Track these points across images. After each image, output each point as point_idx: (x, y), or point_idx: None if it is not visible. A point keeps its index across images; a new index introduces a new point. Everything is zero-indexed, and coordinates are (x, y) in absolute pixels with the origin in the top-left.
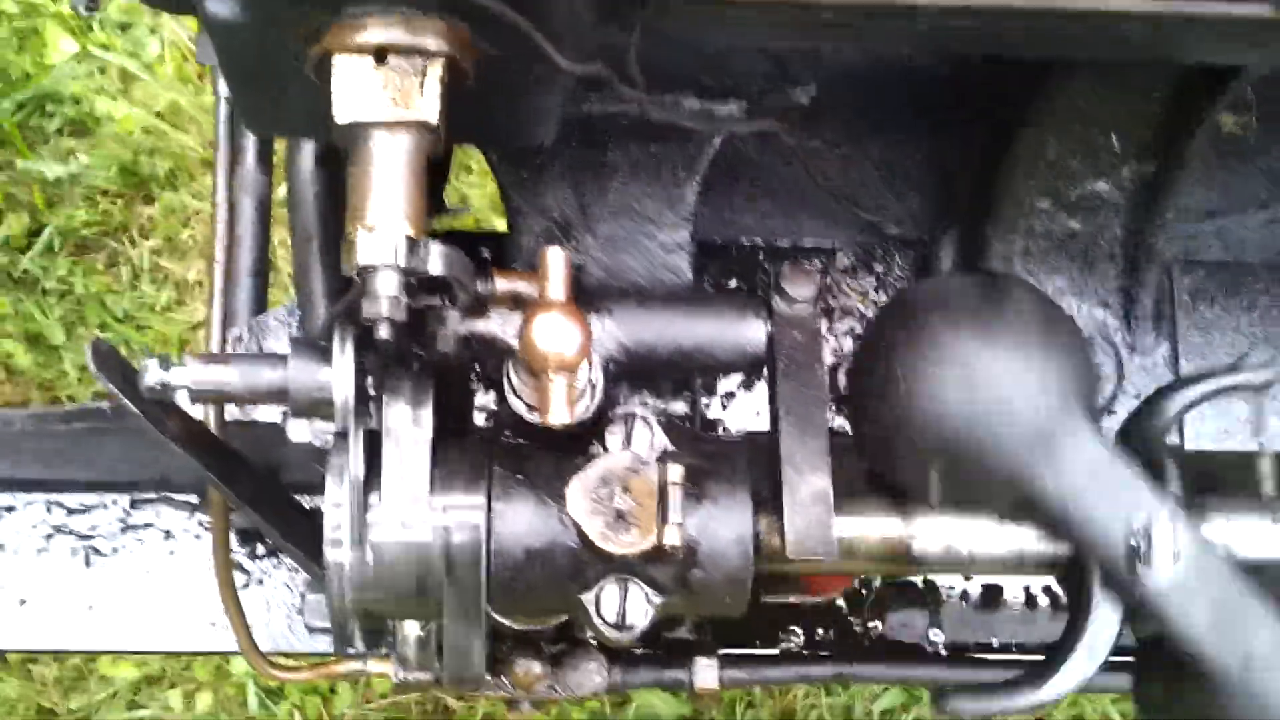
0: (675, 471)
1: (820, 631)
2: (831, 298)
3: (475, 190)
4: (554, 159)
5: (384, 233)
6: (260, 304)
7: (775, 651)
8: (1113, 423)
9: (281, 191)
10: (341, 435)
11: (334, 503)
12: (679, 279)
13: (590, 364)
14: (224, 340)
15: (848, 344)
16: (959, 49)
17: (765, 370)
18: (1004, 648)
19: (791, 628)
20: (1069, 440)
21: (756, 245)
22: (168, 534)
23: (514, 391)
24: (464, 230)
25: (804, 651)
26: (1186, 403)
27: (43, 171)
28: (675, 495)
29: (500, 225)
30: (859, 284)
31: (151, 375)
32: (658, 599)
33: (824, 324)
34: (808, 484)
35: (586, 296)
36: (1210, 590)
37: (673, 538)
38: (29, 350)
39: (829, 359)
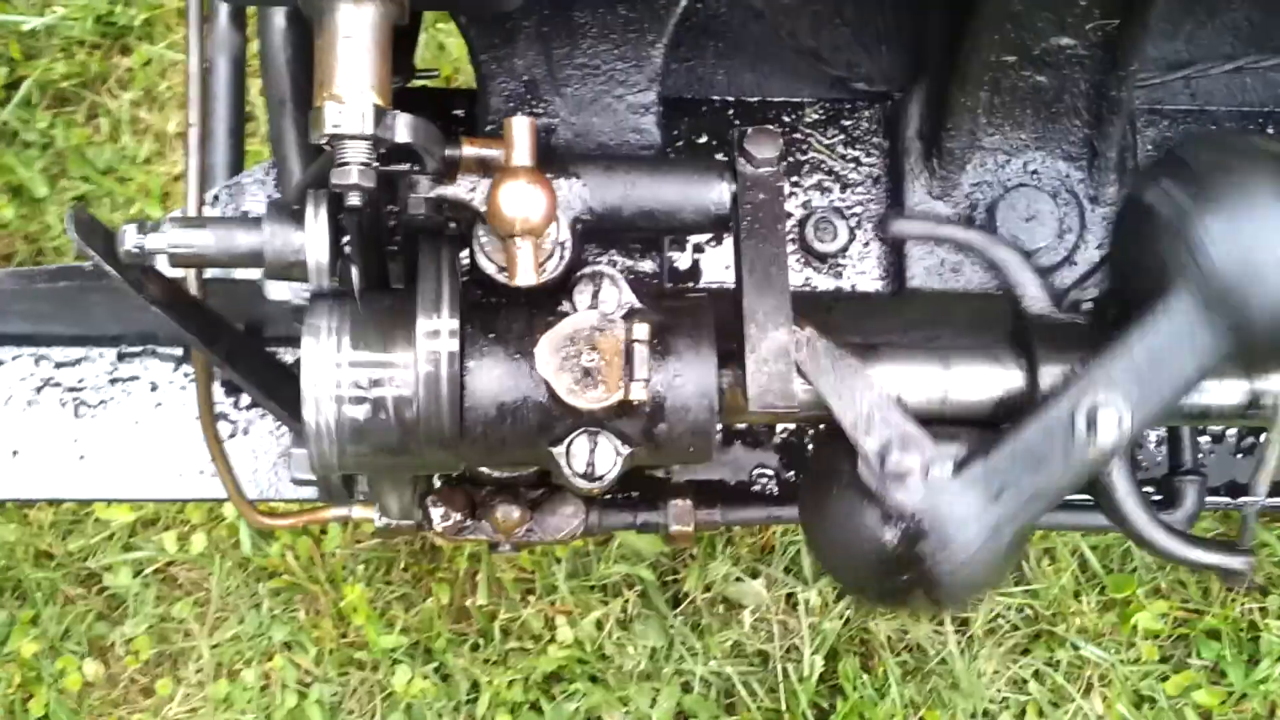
0: (641, 329)
1: (791, 473)
2: (800, 153)
3: (453, 39)
4: (523, 21)
5: (351, 103)
6: (238, 162)
7: (747, 492)
8: (1073, 273)
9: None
10: (317, 295)
11: (312, 361)
12: (646, 140)
13: (558, 225)
14: (201, 202)
15: (815, 197)
16: None
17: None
18: None
19: (763, 467)
20: None
21: (726, 101)
22: (154, 386)
23: (483, 253)
24: (436, 88)
25: (775, 492)
26: None
27: (19, 23)
28: (641, 352)
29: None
30: (827, 138)
31: (129, 240)
32: (625, 450)
33: (792, 179)
34: (769, 339)
35: (555, 159)
36: None
37: (638, 393)
38: (11, 202)
39: (798, 213)
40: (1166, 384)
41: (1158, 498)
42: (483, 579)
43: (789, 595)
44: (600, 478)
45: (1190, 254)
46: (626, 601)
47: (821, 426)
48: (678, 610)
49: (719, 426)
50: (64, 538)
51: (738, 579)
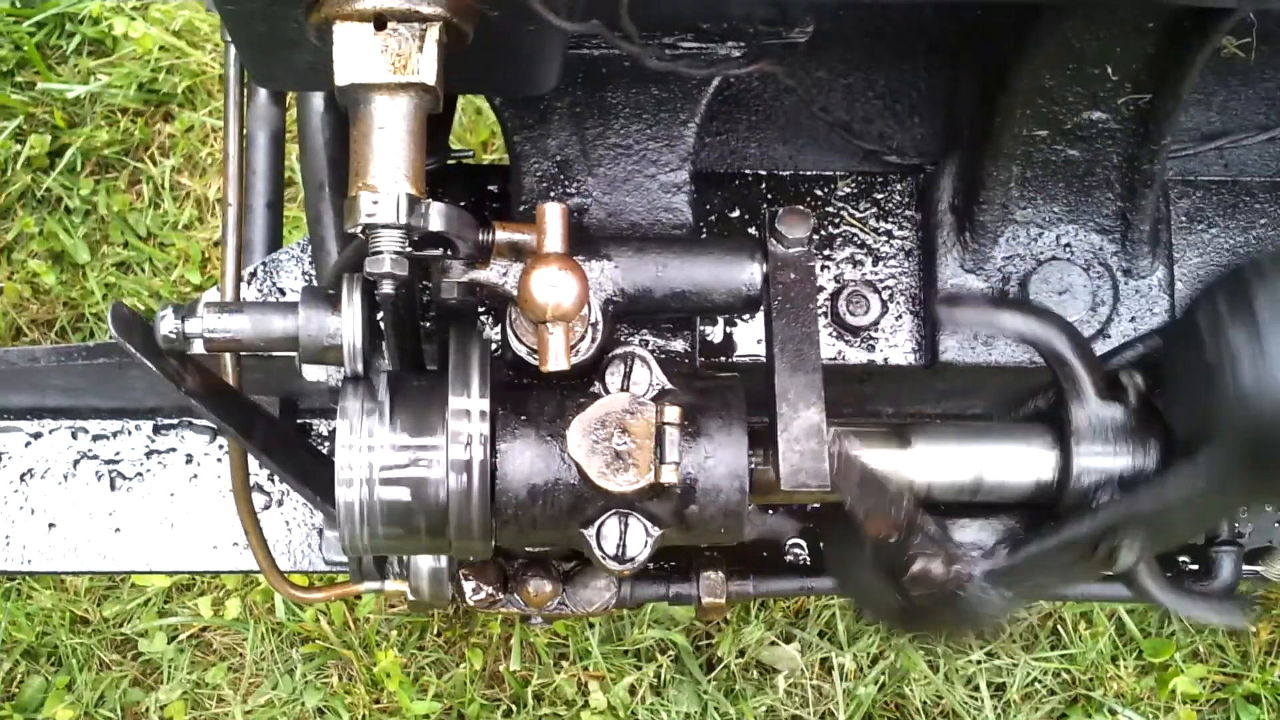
0: (672, 412)
1: (823, 544)
2: (832, 226)
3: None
4: (557, 101)
5: (385, 192)
6: (276, 235)
7: (780, 564)
8: (1106, 346)
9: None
10: (351, 379)
11: (345, 445)
12: (678, 219)
13: (590, 307)
14: (239, 280)
15: (848, 270)
16: None
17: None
18: None
19: (795, 541)
20: None
21: (759, 175)
22: (189, 458)
23: (515, 335)
24: (471, 165)
25: (806, 563)
26: None
27: (63, 91)
28: (672, 435)
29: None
30: (859, 211)
31: (167, 325)
32: (656, 531)
33: (825, 252)
34: (801, 418)
35: (587, 239)
36: None
37: (669, 476)
38: (53, 268)
39: (831, 286)
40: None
41: (1194, 567)
42: (516, 644)
43: (823, 660)
44: (631, 559)
45: (1238, 405)
46: (660, 666)
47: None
48: (711, 675)
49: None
50: (99, 603)
51: (772, 643)
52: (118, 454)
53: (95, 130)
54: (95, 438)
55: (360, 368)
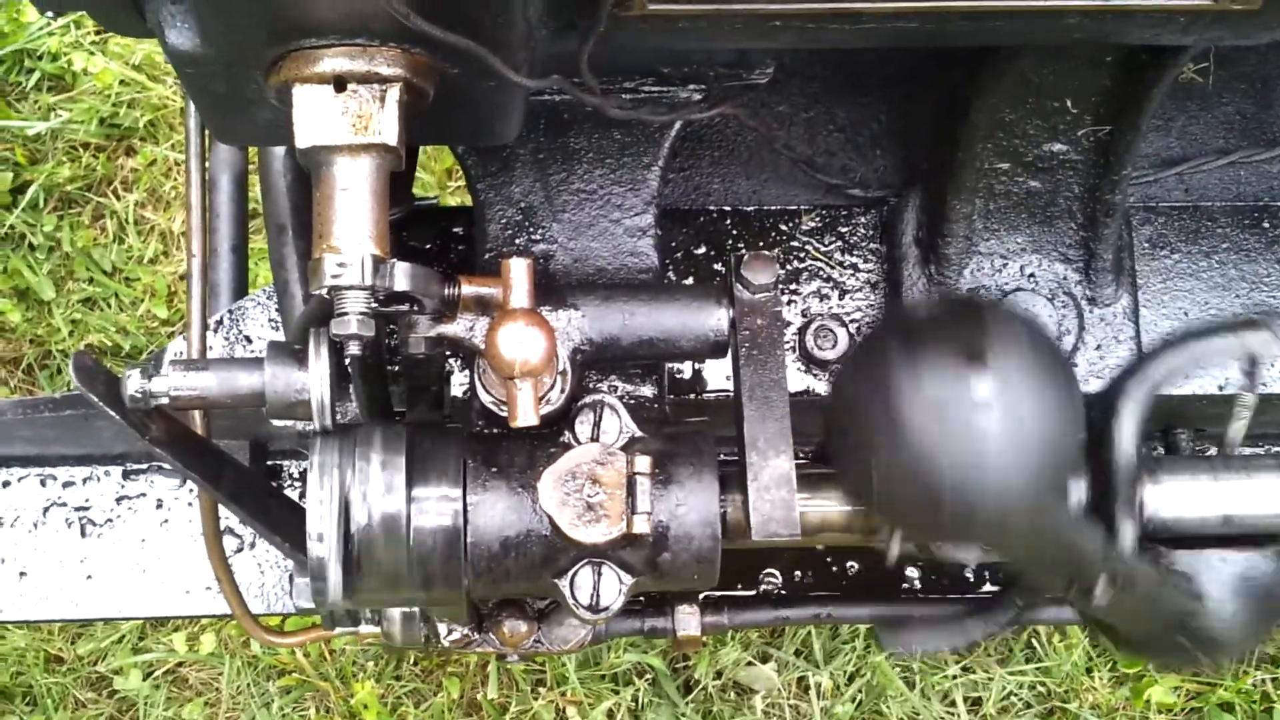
0: (642, 462)
1: (798, 573)
2: (798, 260)
3: None
4: (520, 148)
5: (350, 254)
6: (242, 279)
7: (754, 594)
8: None
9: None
10: (320, 433)
11: (316, 500)
12: (643, 264)
13: (558, 357)
14: (205, 328)
15: (815, 304)
16: (908, 43)
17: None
18: (979, 582)
19: (769, 570)
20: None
21: (724, 211)
22: (159, 503)
23: (483, 386)
24: (437, 207)
25: (782, 593)
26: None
27: (24, 128)
28: (643, 485)
29: None
30: (824, 245)
31: (133, 385)
32: (629, 580)
33: (791, 286)
34: (771, 466)
35: (553, 288)
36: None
37: (641, 526)
38: (19, 306)
39: (798, 320)
40: None
41: None
42: (493, 672)
43: (800, 679)
44: (606, 609)
45: None
46: (637, 690)
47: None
48: (689, 698)
49: None
50: (73, 642)
51: (748, 664)
52: (87, 501)
53: (57, 166)
54: (65, 485)
55: (329, 423)
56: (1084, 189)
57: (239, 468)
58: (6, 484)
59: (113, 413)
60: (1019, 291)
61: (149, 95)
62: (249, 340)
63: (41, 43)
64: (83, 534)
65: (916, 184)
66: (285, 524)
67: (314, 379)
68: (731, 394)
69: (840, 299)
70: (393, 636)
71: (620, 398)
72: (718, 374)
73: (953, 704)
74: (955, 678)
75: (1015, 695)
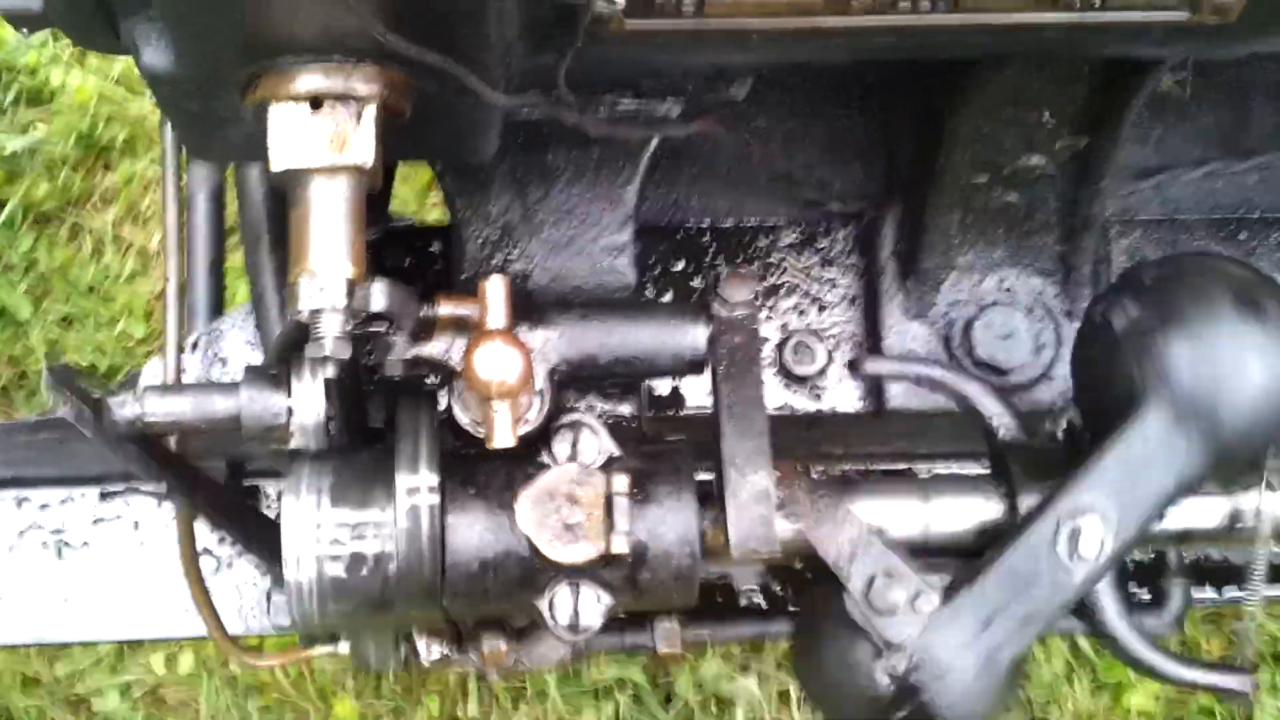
0: (620, 481)
1: (778, 587)
2: (776, 276)
3: None
4: (498, 165)
5: (326, 277)
6: (218, 297)
7: (735, 608)
8: (1050, 389)
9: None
10: (297, 453)
11: (292, 523)
12: (621, 281)
13: (535, 376)
14: (180, 350)
15: (793, 320)
16: (886, 56)
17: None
18: None
19: (750, 584)
20: None
21: (702, 227)
22: (136, 524)
23: (460, 406)
24: (415, 225)
25: (763, 607)
26: None
27: (2, 146)
28: (621, 504)
29: None
30: (803, 261)
31: (114, 410)
32: (609, 599)
33: (769, 302)
34: (749, 483)
35: (531, 306)
36: None
37: (620, 546)
38: None
39: (776, 336)
40: (1146, 498)
41: (1147, 596)
42: (473, 687)
43: (781, 691)
44: (585, 629)
45: (1159, 371)
46: (619, 705)
47: (805, 569)
48: (670, 711)
49: None
50: (51, 663)
51: (730, 677)
52: (63, 523)
53: (34, 184)
54: (41, 506)
55: (323, 444)
56: (1061, 201)
57: (214, 485)
58: None
59: (85, 430)
60: (997, 305)
61: (127, 110)
62: (225, 362)
63: (19, 57)
64: (59, 556)
65: (894, 198)
66: (263, 537)
67: (300, 404)
68: (711, 410)
69: (819, 314)
70: (366, 660)
71: (599, 415)
72: (697, 390)
73: None
74: None
75: None
